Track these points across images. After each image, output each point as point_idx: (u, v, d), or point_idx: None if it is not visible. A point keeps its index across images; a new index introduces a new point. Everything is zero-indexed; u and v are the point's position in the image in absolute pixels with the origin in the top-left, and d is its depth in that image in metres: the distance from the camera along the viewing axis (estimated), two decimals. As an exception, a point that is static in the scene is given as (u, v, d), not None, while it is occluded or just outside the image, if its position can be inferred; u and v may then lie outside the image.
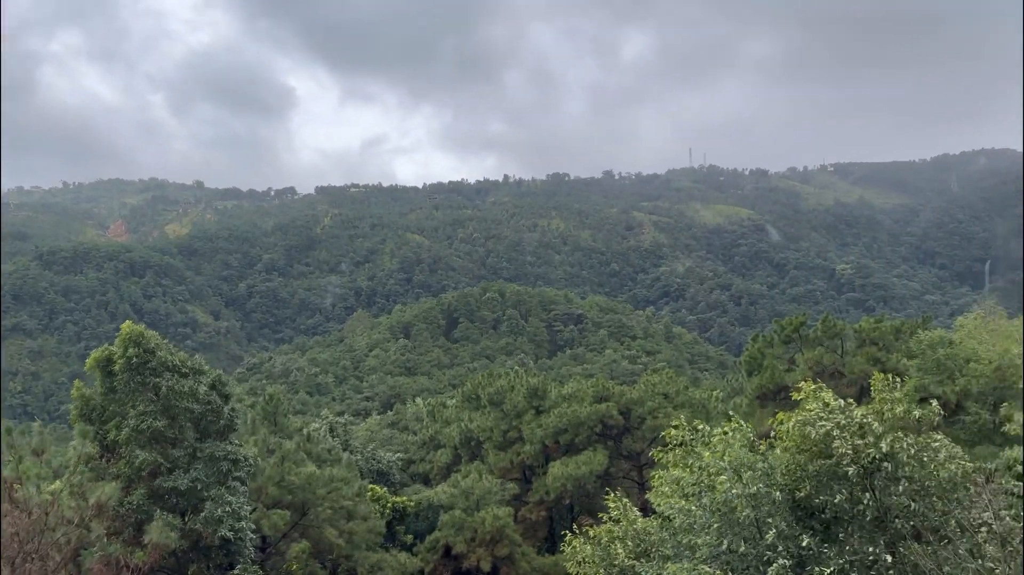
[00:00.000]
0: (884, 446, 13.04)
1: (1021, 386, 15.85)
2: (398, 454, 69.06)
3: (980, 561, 12.17)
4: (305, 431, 51.49)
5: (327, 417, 75.07)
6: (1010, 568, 12.09)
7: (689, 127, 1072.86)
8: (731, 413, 18.33)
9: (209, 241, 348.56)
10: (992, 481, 15.08)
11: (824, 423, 13.30)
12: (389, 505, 53.80)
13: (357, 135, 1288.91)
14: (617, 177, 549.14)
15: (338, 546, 42.54)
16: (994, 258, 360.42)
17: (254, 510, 38.48)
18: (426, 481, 65.60)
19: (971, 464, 13.69)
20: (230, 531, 33.35)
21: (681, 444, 15.89)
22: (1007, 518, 12.57)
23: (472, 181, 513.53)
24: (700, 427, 15.87)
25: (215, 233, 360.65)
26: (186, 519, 34.23)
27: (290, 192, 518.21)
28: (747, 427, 15.52)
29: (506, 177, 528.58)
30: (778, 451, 14.14)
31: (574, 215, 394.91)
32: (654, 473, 16.96)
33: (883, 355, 49.17)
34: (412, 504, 55.40)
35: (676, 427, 16.20)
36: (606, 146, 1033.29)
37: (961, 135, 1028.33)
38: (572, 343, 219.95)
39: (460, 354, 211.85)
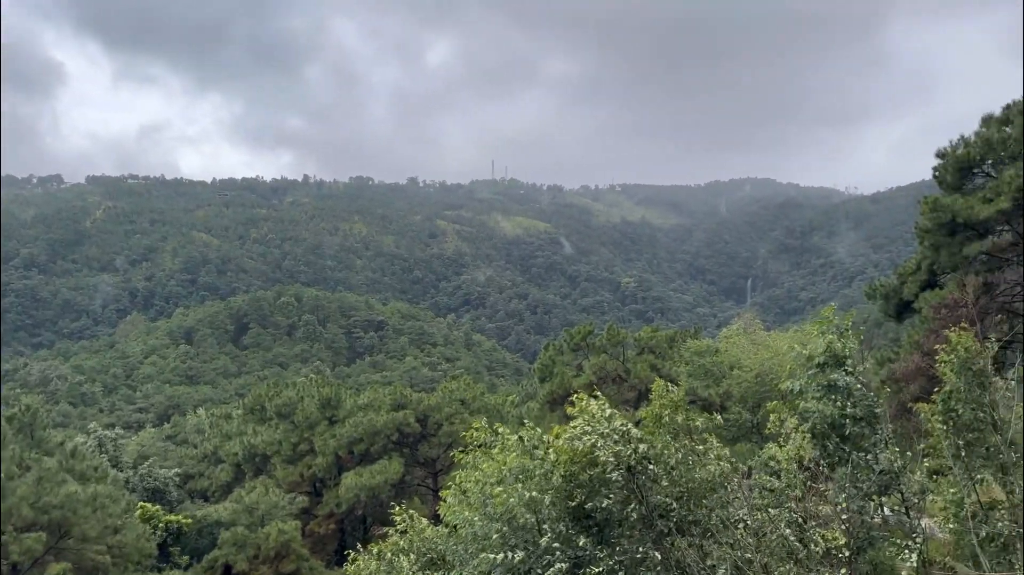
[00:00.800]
0: (642, 449, 13.98)
1: (779, 388, 17.58)
2: (175, 470, 64.08)
3: (739, 553, 13.34)
4: (68, 446, 46.20)
5: (95, 430, 68.25)
6: (762, 556, 13.33)
7: (492, 139, 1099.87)
8: (524, 419, 18.67)
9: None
10: (750, 477, 16.63)
11: (589, 437, 14.02)
12: (162, 524, 49.68)
13: (134, 120, 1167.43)
14: (422, 184, 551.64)
15: (104, 562, 38.61)
16: (755, 276, 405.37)
17: (2, 534, 33.92)
18: (206, 498, 61.43)
19: (729, 465, 14.90)
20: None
21: (481, 446, 15.94)
22: (758, 514, 13.88)
23: (268, 179, 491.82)
24: (501, 430, 15.97)
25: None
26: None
27: (56, 180, 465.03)
28: (538, 431, 15.85)
29: (306, 177, 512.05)
30: (552, 455, 14.60)
31: (377, 220, 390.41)
32: (454, 474, 16.88)
33: (659, 362, 53.38)
34: (189, 522, 51.56)
35: (477, 429, 16.21)
36: (411, 152, 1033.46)
37: (730, 163, 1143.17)
38: (372, 350, 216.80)
39: (250, 362, 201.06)
